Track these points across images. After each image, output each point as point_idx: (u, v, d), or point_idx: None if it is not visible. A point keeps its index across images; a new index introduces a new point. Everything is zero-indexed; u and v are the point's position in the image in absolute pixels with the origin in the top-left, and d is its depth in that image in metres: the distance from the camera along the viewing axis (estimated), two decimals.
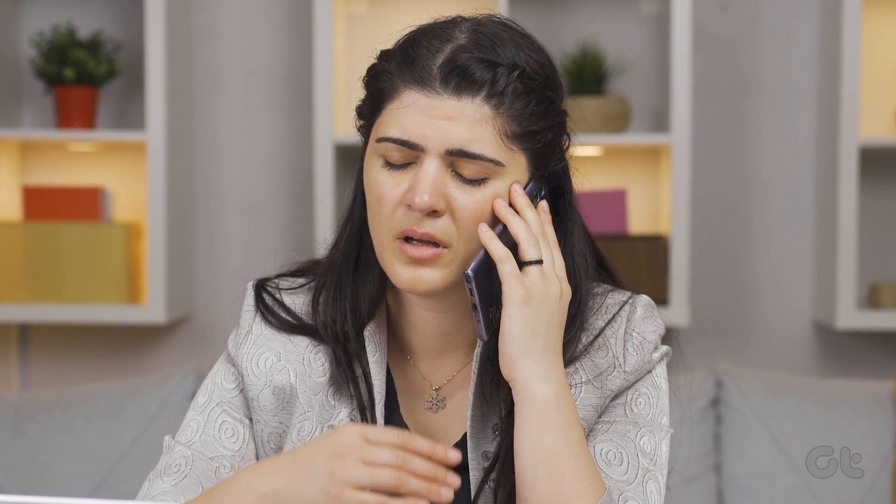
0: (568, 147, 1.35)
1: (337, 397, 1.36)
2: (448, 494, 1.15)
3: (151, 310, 2.81)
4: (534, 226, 1.29)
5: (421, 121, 1.25)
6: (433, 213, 1.26)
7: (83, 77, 2.84)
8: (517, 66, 1.26)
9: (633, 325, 1.37)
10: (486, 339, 1.29)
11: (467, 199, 1.27)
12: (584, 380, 1.34)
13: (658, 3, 2.95)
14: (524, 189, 1.30)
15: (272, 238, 2.98)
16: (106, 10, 3.01)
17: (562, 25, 2.97)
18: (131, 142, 2.85)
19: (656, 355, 1.37)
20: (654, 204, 2.97)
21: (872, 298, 2.89)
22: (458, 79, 1.24)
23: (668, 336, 1.42)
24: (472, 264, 1.26)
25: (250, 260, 3.00)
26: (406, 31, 1.32)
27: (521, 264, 1.28)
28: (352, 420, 1.34)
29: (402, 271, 1.28)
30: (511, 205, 1.29)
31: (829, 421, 2.55)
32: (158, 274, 2.80)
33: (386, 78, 1.28)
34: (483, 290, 1.27)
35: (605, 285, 1.40)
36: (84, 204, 2.88)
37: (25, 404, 2.60)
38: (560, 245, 1.33)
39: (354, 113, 1.34)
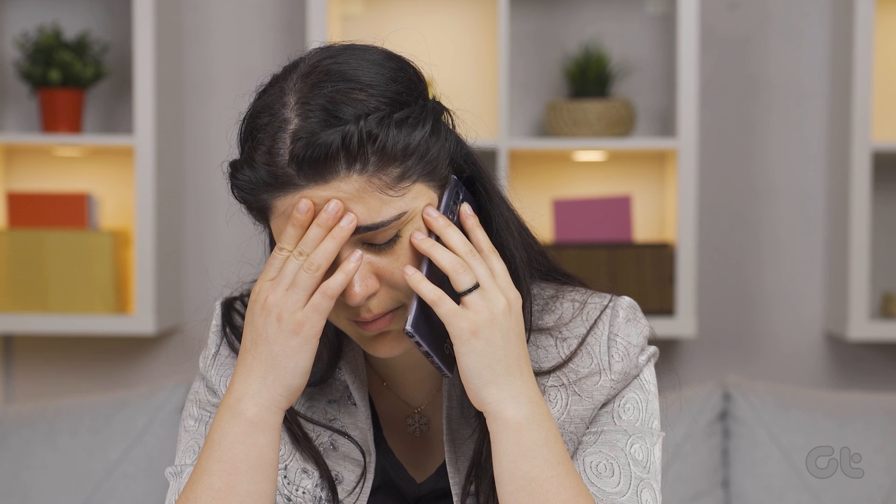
0: (453, 127, 1.27)
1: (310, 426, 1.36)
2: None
3: (140, 320, 2.78)
4: (459, 246, 1.22)
5: None
6: (371, 295, 1.23)
7: (69, 79, 2.82)
8: (360, 115, 1.17)
9: (617, 329, 1.34)
10: (449, 376, 1.27)
11: (391, 263, 1.22)
12: (564, 382, 1.32)
13: (664, 3, 2.95)
14: (438, 206, 1.23)
15: (265, 246, 2.94)
16: (93, 11, 2.99)
17: (564, 26, 2.94)
18: (119, 146, 2.82)
19: (643, 358, 1.35)
20: (660, 211, 2.95)
21: (886, 308, 2.89)
22: (313, 167, 1.17)
23: (674, 348, 1.37)
24: (410, 318, 1.21)
25: (242, 269, 2.95)
26: (238, 124, 1.26)
27: (459, 295, 1.22)
28: (332, 444, 1.34)
29: (371, 345, 1.27)
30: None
31: (841, 435, 2.55)
32: (147, 283, 2.78)
33: (251, 195, 1.23)
34: (431, 331, 1.23)
35: (582, 288, 1.37)
36: (70, 211, 2.86)
37: (9, 418, 2.59)
38: (492, 240, 1.28)
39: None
